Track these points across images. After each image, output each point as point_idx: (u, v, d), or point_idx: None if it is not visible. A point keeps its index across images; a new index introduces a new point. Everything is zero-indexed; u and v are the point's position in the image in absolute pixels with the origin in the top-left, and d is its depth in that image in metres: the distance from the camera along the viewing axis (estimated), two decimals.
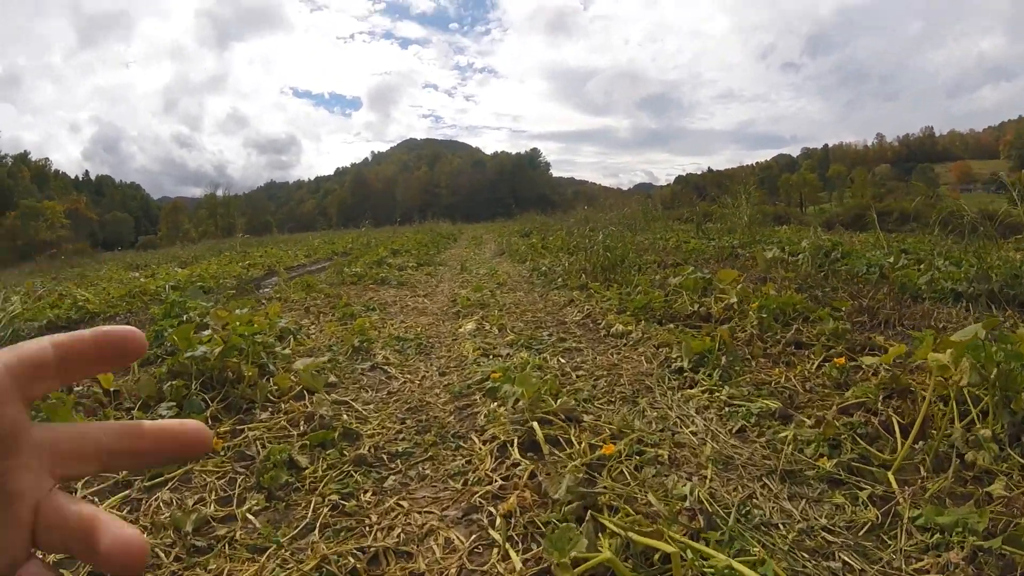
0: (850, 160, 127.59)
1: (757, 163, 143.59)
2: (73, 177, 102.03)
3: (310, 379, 4.34)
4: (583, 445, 3.05)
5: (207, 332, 5.49)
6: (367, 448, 3.25)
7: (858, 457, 2.93)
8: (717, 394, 3.99)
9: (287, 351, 5.24)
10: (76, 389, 4.66)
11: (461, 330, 6.13)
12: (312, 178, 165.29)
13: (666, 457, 3.01)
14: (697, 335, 5.11)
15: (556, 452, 3.03)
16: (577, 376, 4.48)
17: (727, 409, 3.74)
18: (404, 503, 2.71)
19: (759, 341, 5.09)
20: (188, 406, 4.03)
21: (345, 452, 3.23)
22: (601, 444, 3.04)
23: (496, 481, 2.80)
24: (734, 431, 3.43)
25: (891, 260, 8.19)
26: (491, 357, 5.03)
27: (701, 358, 4.57)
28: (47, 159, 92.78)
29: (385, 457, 3.19)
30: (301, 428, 3.58)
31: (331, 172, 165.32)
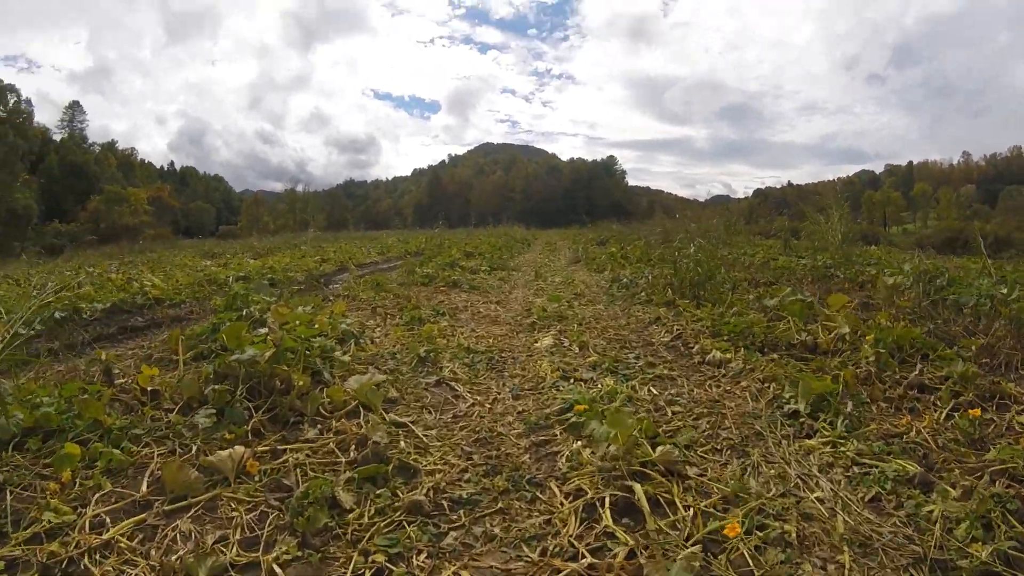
0: (934, 179, 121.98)
1: (839, 178, 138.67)
2: (159, 167, 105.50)
3: (366, 396, 3.83)
4: (692, 512, 2.43)
5: (264, 330, 5.08)
6: (425, 491, 2.70)
7: (1017, 544, 2.25)
8: (842, 448, 3.31)
9: (346, 357, 4.75)
10: (117, 382, 4.29)
11: (537, 345, 5.57)
12: (390, 178, 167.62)
13: (793, 535, 2.37)
14: (806, 369, 4.46)
15: (658, 520, 2.42)
16: (673, 413, 3.85)
17: (856, 469, 3.06)
18: (465, 574, 2.14)
19: (878, 381, 4.37)
20: (229, 414, 3.57)
21: (399, 493, 2.68)
22: (713, 510, 2.43)
23: (583, 556, 2.21)
24: (867, 499, 2.76)
25: (1004, 291, 7.25)
26: (571, 381, 4.44)
27: (820, 400, 3.88)
28: (133, 148, 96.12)
29: (446, 504, 2.62)
30: (351, 455, 3.06)
31: (408, 173, 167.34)
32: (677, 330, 6.05)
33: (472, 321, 6.99)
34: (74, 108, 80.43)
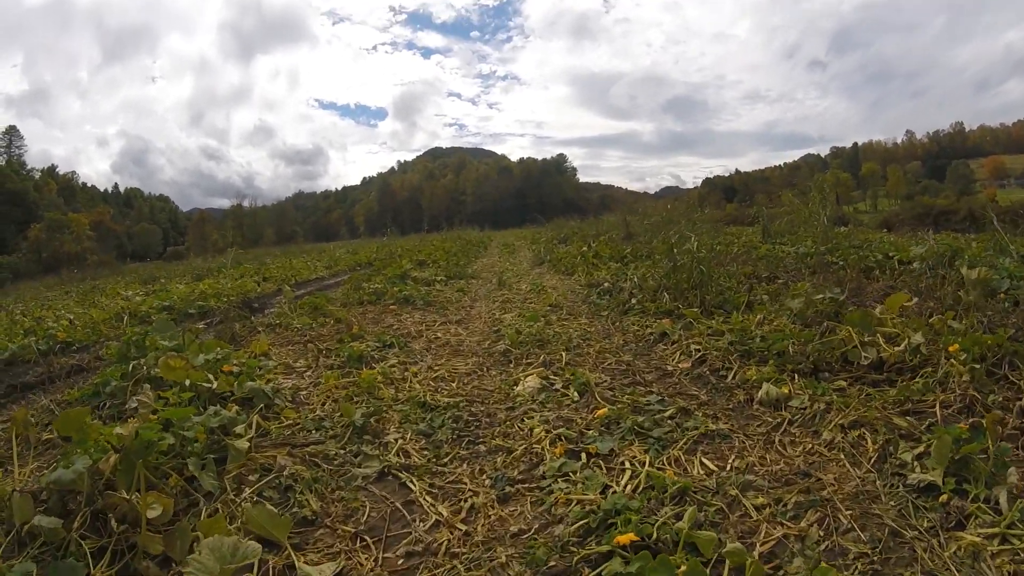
0: (880, 158, 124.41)
1: (785, 163, 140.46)
2: (103, 190, 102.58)
3: (264, 525, 2.36)
4: None
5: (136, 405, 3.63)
6: None
7: None
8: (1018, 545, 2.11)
9: (244, 442, 3.23)
10: None
11: (519, 389, 4.13)
12: (339, 188, 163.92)
13: None
14: (885, 399, 3.36)
15: None
16: (756, 507, 2.46)
17: None
18: None
19: (983, 410, 3.15)
20: (53, 572, 2.13)
21: None
22: None
23: None
24: None
25: None
26: (583, 458, 3.00)
27: (960, 463, 2.57)
28: (74, 172, 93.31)
29: None
30: None
31: (358, 182, 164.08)
32: (696, 351, 4.68)
33: (428, 353, 5.52)
34: (11, 133, 77.93)
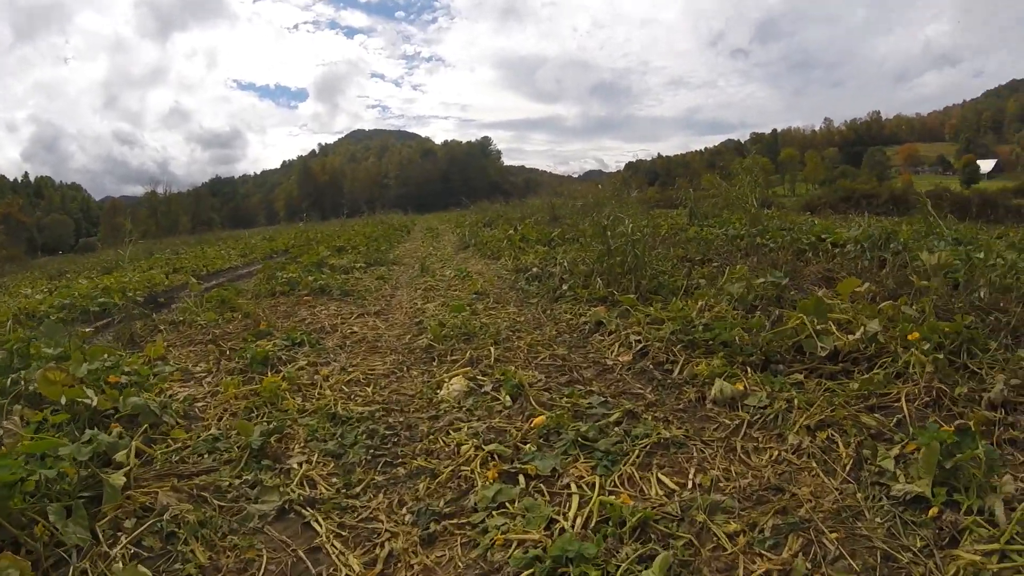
0: (798, 144, 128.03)
1: (707, 148, 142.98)
2: (11, 179, 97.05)
3: None
4: None
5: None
6: None
7: None
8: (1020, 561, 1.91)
9: (119, 477, 2.67)
10: None
11: (444, 394, 3.66)
12: (258, 172, 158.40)
13: None
14: (846, 391, 3.12)
15: None
16: (729, 535, 2.08)
17: None
18: None
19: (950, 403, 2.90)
20: None
21: None
22: None
23: None
24: None
25: (980, 255, 5.88)
26: (521, 481, 2.56)
27: (948, 471, 2.26)
28: None
29: None
30: None
31: (277, 165, 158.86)
32: (637, 342, 4.30)
33: (343, 351, 4.99)
34: None
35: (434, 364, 4.36)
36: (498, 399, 3.49)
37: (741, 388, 3.24)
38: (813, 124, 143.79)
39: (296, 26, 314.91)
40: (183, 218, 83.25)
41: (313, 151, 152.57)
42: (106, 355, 4.54)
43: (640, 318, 4.76)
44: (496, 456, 2.75)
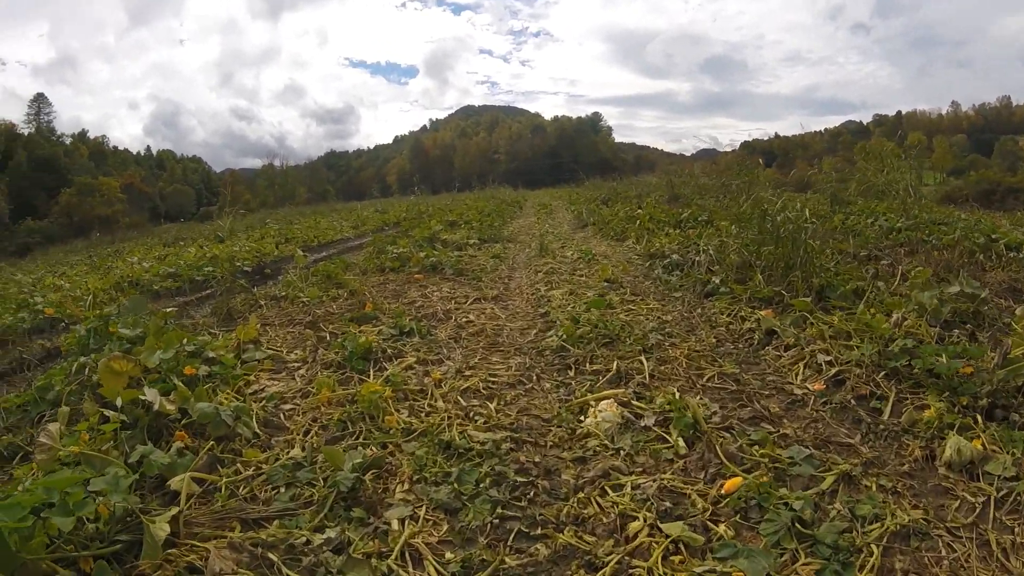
0: (924, 129, 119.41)
1: (826, 129, 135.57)
2: (135, 153, 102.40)
3: None
4: None
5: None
6: None
7: None
8: None
9: (160, 525, 1.98)
10: None
11: (590, 423, 2.80)
12: (371, 147, 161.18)
13: None
14: None
15: None
16: None
17: None
18: None
19: None
20: None
21: None
22: None
23: None
24: None
25: None
26: None
27: None
28: (104, 136, 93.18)
29: None
30: None
31: (390, 140, 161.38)
32: (827, 363, 3.34)
33: (458, 345, 4.23)
34: (40, 101, 77.73)
35: (570, 374, 3.52)
36: (666, 440, 2.62)
37: (979, 448, 2.27)
38: (939, 107, 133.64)
39: (404, 4, 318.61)
40: (300, 189, 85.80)
41: (424, 126, 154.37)
42: (185, 339, 3.95)
43: (822, 329, 3.77)
44: (683, 546, 1.89)
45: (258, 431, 2.92)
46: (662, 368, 3.47)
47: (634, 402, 2.98)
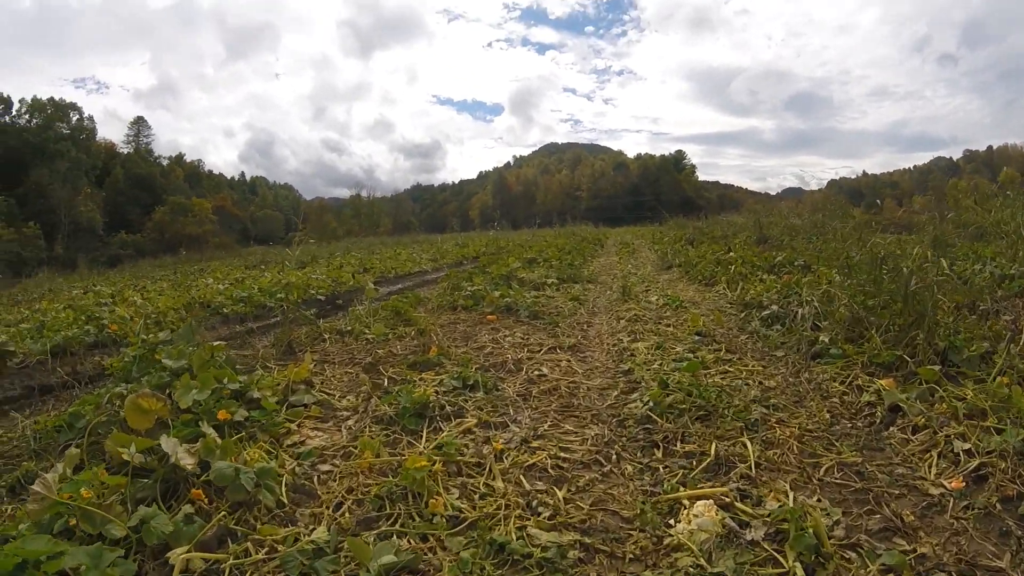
0: (1017, 164, 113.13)
1: (915, 166, 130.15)
2: (229, 177, 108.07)
3: None
4: None
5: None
6: None
7: None
8: None
9: None
10: None
11: (681, 530, 2.20)
12: (456, 181, 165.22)
13: None
14: None
15: None
16: None
17: None
18: None
19: None
20: None
21: None
22: None
23: None
24: None
25: None
26: None
27: None
28: (200, 160, 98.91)
29: None
30: None
31: (474, 175, 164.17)
32: (965, 452, 2.69)
33: (526, 405, 3.71)
34: (139, 123, 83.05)
35: (657, 454, 2.94)
36: (780, 563, 2.02)
37: None
38: None
39: (490, 44, 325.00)
40: (385, 220, 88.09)
41: (508, 162, 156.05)
42: (227, 378, 3.60)
43: (955, 406, 3.11)
44: None
45: (283, 498, 2.49)
46: (769, 453, 2.86)
47: (737, 503, 2.39)
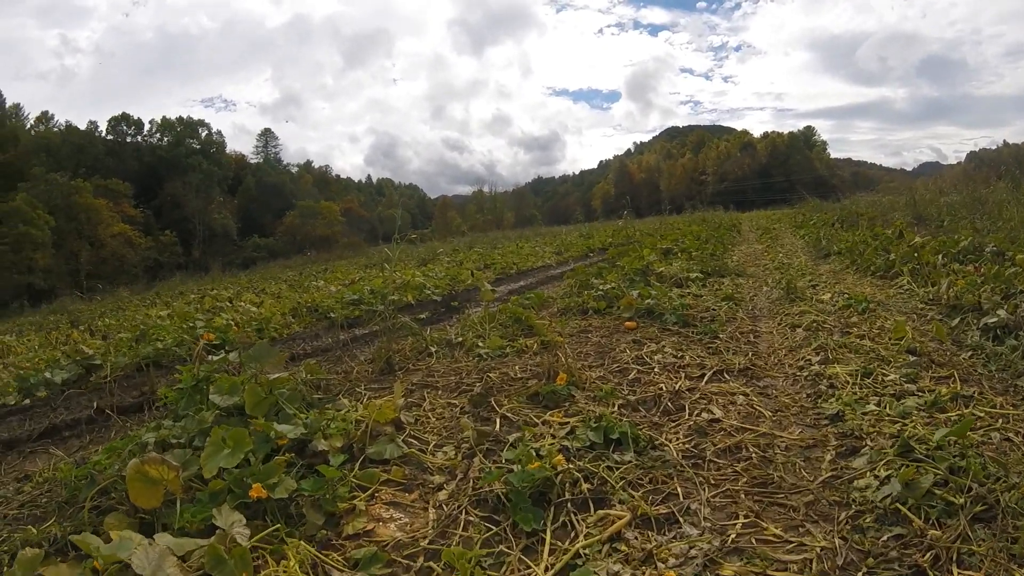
0: None
1: None
2: (356, 180, 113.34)
3: None
4: None
5: None
6: None
7: None
8: None
9: None
10: None
11: None
12: (576, 172, 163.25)
13: None
14: None
15: None
16: None
17: None
18: None
19: None
20: None
21: None
22: None
23: None
24: None
25: None
26: None
27: None
28: (327, 166, 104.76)
29: None
30: None
31: (594, 165, 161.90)
32: None
33: (699, 479, 2.53)
34: (266, 135, 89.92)
35: None
36: None
37: None
38: None
39: (601, 30, 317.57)
40: (507, 214, 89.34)
41: (628, 150, 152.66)
42: (272, 430, 2.66)
43: None
44: None
45: None
46: None
47: None
